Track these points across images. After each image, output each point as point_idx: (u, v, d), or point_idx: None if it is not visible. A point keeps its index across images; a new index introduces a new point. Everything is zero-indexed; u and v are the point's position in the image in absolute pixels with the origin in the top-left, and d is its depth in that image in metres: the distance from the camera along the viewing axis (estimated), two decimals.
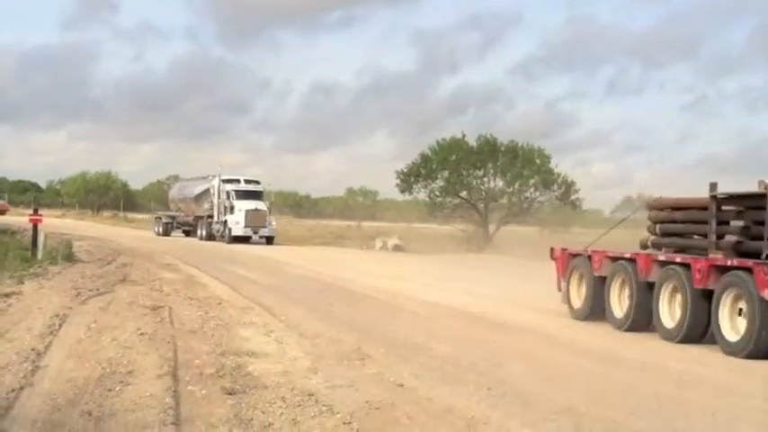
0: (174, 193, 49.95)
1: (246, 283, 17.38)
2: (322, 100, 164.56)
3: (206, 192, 42.62)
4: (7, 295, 12.98)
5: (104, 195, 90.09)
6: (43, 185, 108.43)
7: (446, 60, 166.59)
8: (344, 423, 6.20)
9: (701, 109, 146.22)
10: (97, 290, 14.42)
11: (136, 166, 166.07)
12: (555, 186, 37.90)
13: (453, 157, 37.84)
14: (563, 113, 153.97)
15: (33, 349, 8.65)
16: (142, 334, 9.85)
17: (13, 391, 6.83)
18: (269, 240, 38.99)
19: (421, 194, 40.08)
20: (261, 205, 39.57)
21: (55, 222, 44.35)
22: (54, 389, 6.99)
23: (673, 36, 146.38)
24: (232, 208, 39.15)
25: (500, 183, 38.57)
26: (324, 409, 6.58)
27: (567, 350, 9.97)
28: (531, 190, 38.28)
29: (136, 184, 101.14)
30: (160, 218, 48.12)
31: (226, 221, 39.11)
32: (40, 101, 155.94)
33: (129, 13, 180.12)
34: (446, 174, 38.41)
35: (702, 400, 7.38)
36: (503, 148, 38.01)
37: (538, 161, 37.80)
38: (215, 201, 40.64)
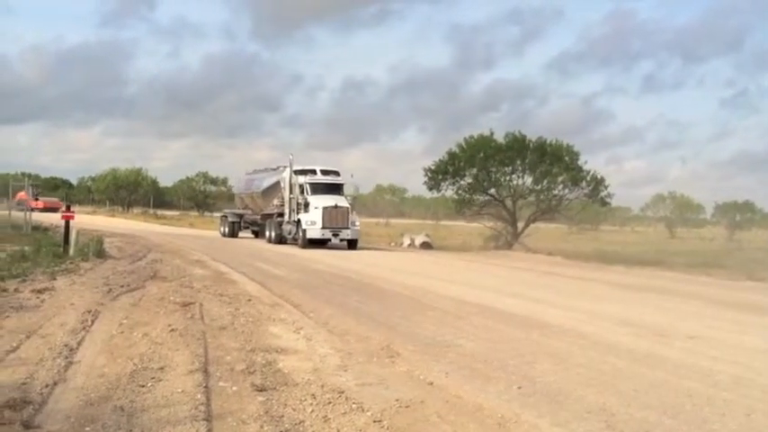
0: (240, 187, 43.56)
1: (275, 280, 17.42)
2: (354, 96, 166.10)
3: (275, 185, 36.74)
4: (40, 291, 13.14)
5: (134, 192, 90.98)
6: (74, 182, 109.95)
7: (481, 56, 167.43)
8: (375, 421, 6.20)
9: (741, 104, 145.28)
10: (128, 286, 14.56)
11: (166, 162, 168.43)
12: (584, 183, 37.60)
13: (481, 154, 37.67)
14: (598, 110, 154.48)
15: (66, 345, 8.74)
16: (173, 330, 9.92)
17: (46, 386, 6.91)
18: (351, 244, 32.96)
19: (449, 192, 39.95)
20: (341, 201, 33.19)
21: (86, 219, 44.82)
22: (87, 384, 7.05)
23: (715, 30, 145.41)
24: (306, 205, 33.00)
25: (528, 180, 38.37)
26: (354, 406, 6.59)
27: (600, 350, 9.88)
28: (560, 187, 38.02)
29: (166, 181, 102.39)
30: (226, 216, 42.83)
31: (299, 221, 32.92)
32: (75, 98, 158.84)
33: (166, 10, 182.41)
34: (474, 171, 38.25)
35: (740, 401, 7.28)
36: (531, 146, 37.77)
37: (566, 158, 37.53)
38: (286, 196, 34.59)
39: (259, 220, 38.95)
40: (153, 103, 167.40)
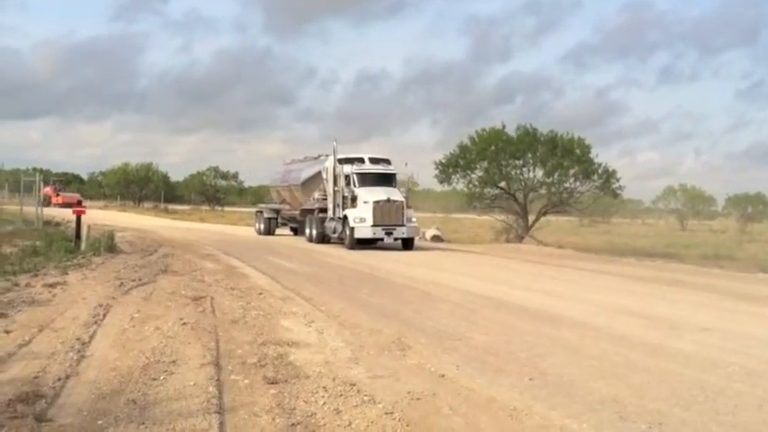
0: (276, 179, 38.53)
1: (286, 274, 17.45)
2: (367, 89, 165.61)
3: (316, 177, 32.40)
4: (52, 285, 13.20)
5: (145, 187, 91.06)
6: (86, 177, 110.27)
7: (497, 48, 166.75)
8: (386, 413, 6.20)
9: (757, 95, 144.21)
10: (139, 280, 14.60)
11: (178, 157, 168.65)
12: (595, 176, 37.42)
13: (492, 147, 37.53)
14: (613, 102, 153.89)
15: (78, 339, 8.78)
16: (184, 324, 9.95)
17: (59, 379, 6.95)
18: (407, 244, 28.69)
19: (460, 185, 39.76)
20: (395, 194, 28.68)
21: (97, 214, 44.92)
22: (99, 378, 7.08)
23: (731, 21, 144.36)
24: (354, 198, 28.47)
25: (539, 173, 38.21)
26: (366, 399, 6.60)
27: (612, 342, 9.85)
28: (571, 180, 37.84)
29: (177, 176, 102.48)
30: (261, 212, 38.35)
31: (345, 217, 28.39)
32: (87, 93, 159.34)
33: (179, 4, 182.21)
34: (485, 164, 38.11)
35: (752, 392, 7.25)
36: (542, 139, 37.61)
37: (577, 151, 37.34)
38: (329, 188, 29.76)
39: (298, 216, 34.46)
40: (165, 97, 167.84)
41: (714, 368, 8.33)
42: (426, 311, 12.11)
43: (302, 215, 33.64)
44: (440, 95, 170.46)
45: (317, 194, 31.76)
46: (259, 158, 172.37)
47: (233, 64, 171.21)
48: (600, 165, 36.91)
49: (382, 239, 28.15)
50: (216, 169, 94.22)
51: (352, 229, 27.85)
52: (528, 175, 38.14)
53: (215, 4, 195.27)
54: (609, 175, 36.88)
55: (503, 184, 38.51)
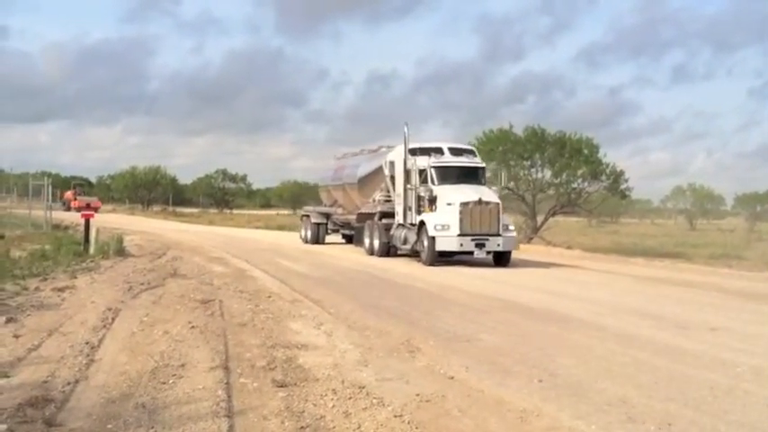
0: (326, 177, 32.37)
1: (295, 277, 17.45)
2: (379, 90, 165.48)
3: (376, 173, 26.03)
4: (61, 289, 13.25)
5: (153, 190, 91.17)
6: (94, 180, 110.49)
7: (509, 48, 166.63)
8: (396, 416, 6.19)
9: None
10: (148, 284, 14.63)
11: (187, 159, 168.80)
12: (603, 177, 37.36)
13: (500, 148, 37.48)
14: (625, 101, 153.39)
15: (87, 342, 8.81)
16: (193, 327, 9.97)
17: (68, 383, 6.97)
18: (501, 259, 22.37)
19: None
20: (487, 194, 22.57)
21: (106, 218, 45.01)
22: (108, 382, 7.10)
23: (746, 18, 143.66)
24: (433, 199, 22.39)
25: (548, 173, 38.13)
26: (375, 401, 6.60)
27: (620, 342, 9.83)
28: (579, 180, 37.76)
29: (185, 179, 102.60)
30: (308, 216, 32.32)
31: (421, 224, 22.19)
32: (97, 95, 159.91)
33: (190, 4, 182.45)
34: (493, 165, 38.04)
35: (761, 392, 7.22)
36: (550, 139, 37.54)
37: (586, 151, 37.26)
38: (398, 187, 23.82)
39: (354, 221, 27.94)
40: (174, 99, 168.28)
41: (723, 368, 8.30)
42: (435, 313, 12.11)
43: (359, 220, 27.17)
44: (451, 96, 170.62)
45: (378, 195, 26.25)
46: (268, 161, 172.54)
47: (244, 65, 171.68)
48: (608, 165, 36.86)
49: (471, 253, 22.01)
50: (224, 172, 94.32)
51: (431, 239, 21.65)
52: (536, 176, 38.08)
53: (227, 5, 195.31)
54: (617, 176, 36.81)
55: (511, 184, 38.41)
